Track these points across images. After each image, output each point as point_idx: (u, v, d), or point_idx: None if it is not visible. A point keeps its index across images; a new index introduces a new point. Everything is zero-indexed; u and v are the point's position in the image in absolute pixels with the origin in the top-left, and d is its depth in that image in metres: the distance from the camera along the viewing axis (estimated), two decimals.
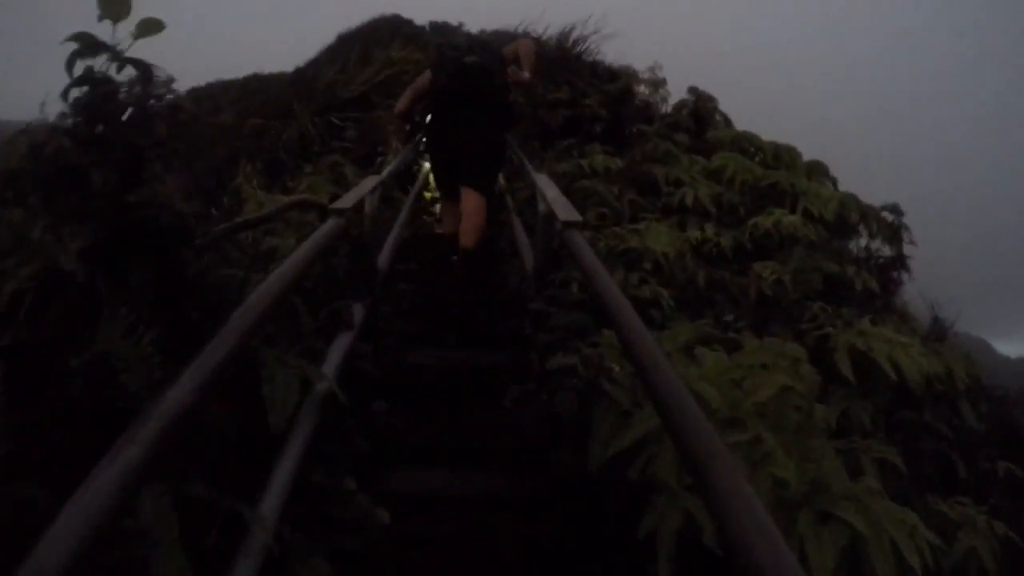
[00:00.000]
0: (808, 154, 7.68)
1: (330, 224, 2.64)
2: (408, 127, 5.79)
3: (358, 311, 3.24)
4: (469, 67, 4.88)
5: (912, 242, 6.68)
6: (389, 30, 20.94)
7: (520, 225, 4.71)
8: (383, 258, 3.98)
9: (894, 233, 6.62)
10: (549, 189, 3.29)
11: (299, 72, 23.07)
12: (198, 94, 32.78)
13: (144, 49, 2.05)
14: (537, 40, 10.49)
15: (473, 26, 6.68)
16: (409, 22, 23.17)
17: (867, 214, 6.61)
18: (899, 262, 6.24)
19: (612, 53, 10.37)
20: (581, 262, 2.47)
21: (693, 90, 8.72)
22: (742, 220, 5.70)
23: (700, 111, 8.46)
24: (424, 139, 5.92)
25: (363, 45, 15.74)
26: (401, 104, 5.38)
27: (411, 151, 6.35)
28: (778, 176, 6.30)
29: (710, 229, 5.33)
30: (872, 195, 7.01)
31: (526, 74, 5.12)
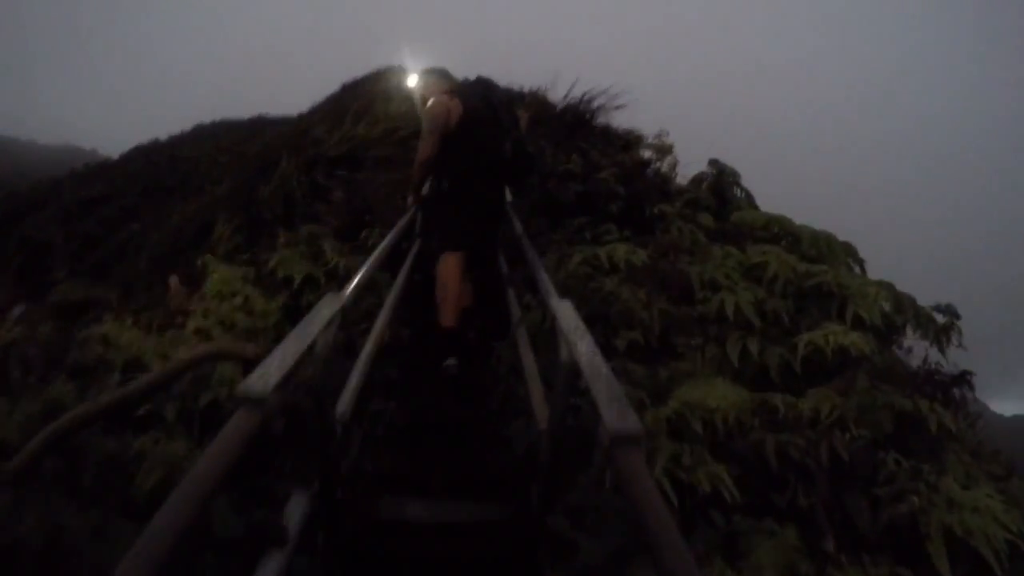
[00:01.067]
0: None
1: (239, 423, 1.58)
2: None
3: (298, 505, 2.19)
4: (503, 154, 4.58)
5: (961, 345, 5.72)
6: (393, 82, 20.12)
7: (527, 343, 3.67)
8: (345, 401, 2.90)
9: (942, 335, 5.66)
10: (580, 340, 2.22)
11: (300, 119, 22.15)
12: (201, 132, 31.91)
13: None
14: (546, 102, 9.62)
15: None
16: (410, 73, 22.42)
17: (906, 309, 5.65)
18: (963, 380, 5.25)
19: (620, 116, 9.46)
20: (633, 498, 1.45)
21: (714, 163, 7.76)
22: (788, 331, 4.69)
23: (721, 186, 7.52)
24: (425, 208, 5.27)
25: (365, 97, 14.85)
26: (427, 149, 4.69)
27: (405, 225, 5.33)
28: (822, 275, 5.30)
29: (754, 346, 4.31)
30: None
31: None
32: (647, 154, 8.87)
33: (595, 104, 9.01)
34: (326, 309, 2.31)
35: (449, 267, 4.62)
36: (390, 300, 4.62)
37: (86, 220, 27.26)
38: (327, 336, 2.29)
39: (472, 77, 5.10)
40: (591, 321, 4.25)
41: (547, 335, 3.59)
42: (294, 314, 5.03)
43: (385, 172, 6.95)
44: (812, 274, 5.33)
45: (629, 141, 8.93)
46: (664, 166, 8.40)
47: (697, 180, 7.75)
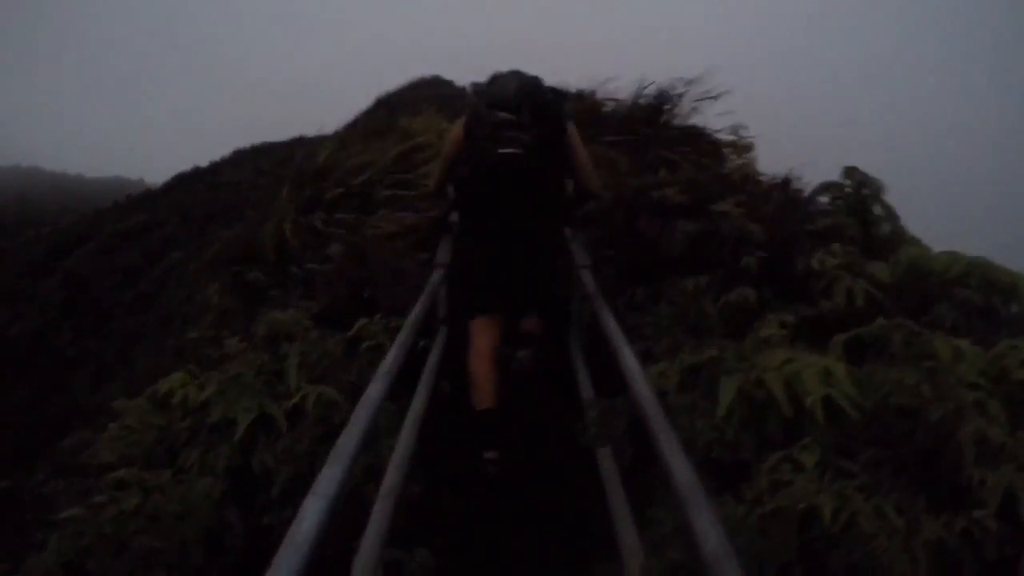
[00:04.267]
0: None
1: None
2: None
3: None
4: (502, 164, 3.21)
5: None
6: (428, 93, 17.87)
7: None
8: None
9: None
10: None
11: (336, 139, 20.08)
12: (241, 157, 30.34)
13: None
14: (597, 104, 7.25)
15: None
16: (449, 83, 20.12)
17: None
18: None
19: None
20: None
21: (851, 172, 5.36)
22: None
23: (861, 203, 5.14)
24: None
25: (394, 111, 12.68)
26: (433, 182, 3.85)
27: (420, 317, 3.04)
28: None
29: None
30: None
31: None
32: (729, 155, 6.56)
33: (674, 99, 6.66)
34: None
35: (473, 344, 3.42)
36: (400, 452, 2.52)
37: (128, 252, 25.96)
38: None
39: None
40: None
41: None
42: (240, 497, 2.89)
43: (398, 215, 4.78)
44: None
45: (718, 144, 6.59)
46: (743, 168, 6.04)
47: (825, 192, 5.39)
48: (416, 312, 2.88)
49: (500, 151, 3.16)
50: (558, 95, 3.54)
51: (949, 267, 4.27)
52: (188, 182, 28.82)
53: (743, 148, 6.86)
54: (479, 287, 3.54)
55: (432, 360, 3.23)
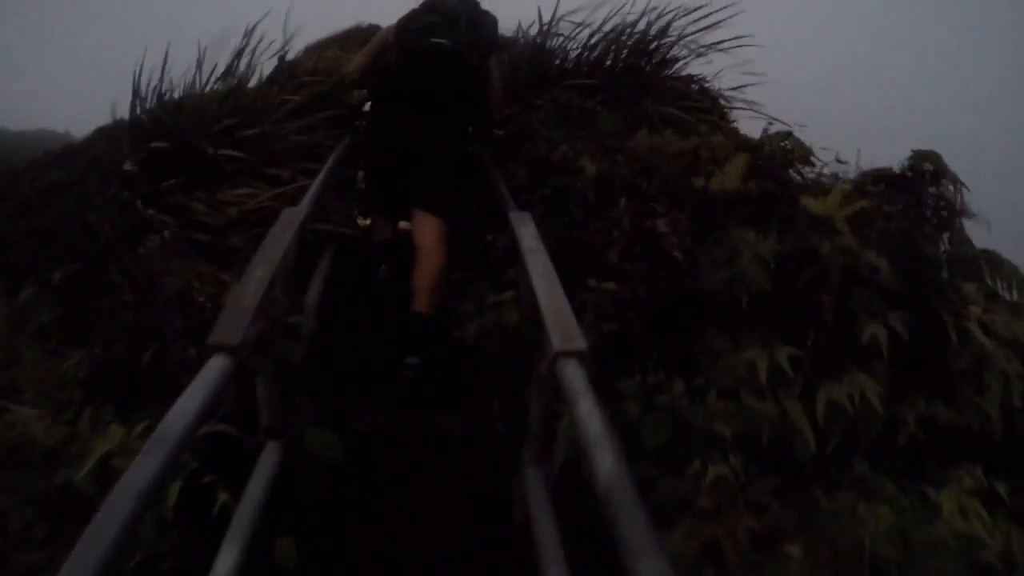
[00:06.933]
0: None
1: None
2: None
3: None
4: (431, 51, 3.20)
5: None
6: (363, 41, 15.46)
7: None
8: None
9: None
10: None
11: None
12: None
13: None
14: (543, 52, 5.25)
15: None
16: None
17: None
18: None
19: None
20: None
21: (922, 160, 3.53)
22: None
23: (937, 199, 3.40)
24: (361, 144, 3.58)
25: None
26: (354, 66, 3.77)
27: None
28: None
29: None
30: None
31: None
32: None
33: (664, 41, 4.77)
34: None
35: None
36: None
37: (43, 213, 23.19)
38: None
39: None
40: None
41: None
42: None
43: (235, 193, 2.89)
44: None
45: (709, 94, 4.73)
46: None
47: (880, 181, 3.59)
48: (177, 416, 1.02)
49: (432, 39, 3.18)
50: (494, 21, 3.47)
51: None
52: (110, 136, 25.85)
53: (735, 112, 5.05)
54: (380, 183, 3.45)
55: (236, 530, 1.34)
